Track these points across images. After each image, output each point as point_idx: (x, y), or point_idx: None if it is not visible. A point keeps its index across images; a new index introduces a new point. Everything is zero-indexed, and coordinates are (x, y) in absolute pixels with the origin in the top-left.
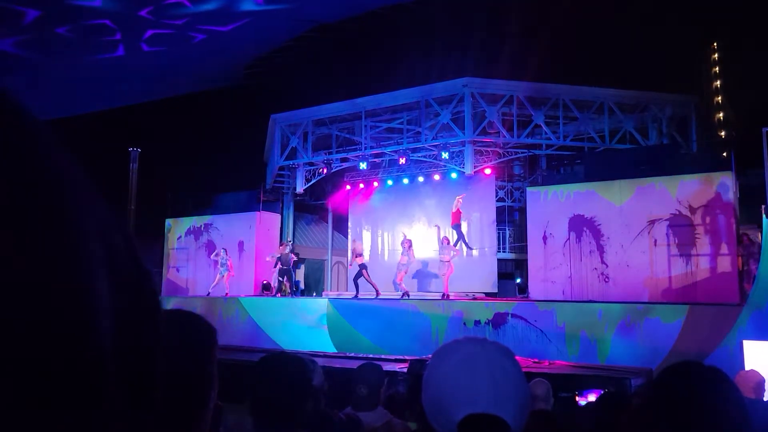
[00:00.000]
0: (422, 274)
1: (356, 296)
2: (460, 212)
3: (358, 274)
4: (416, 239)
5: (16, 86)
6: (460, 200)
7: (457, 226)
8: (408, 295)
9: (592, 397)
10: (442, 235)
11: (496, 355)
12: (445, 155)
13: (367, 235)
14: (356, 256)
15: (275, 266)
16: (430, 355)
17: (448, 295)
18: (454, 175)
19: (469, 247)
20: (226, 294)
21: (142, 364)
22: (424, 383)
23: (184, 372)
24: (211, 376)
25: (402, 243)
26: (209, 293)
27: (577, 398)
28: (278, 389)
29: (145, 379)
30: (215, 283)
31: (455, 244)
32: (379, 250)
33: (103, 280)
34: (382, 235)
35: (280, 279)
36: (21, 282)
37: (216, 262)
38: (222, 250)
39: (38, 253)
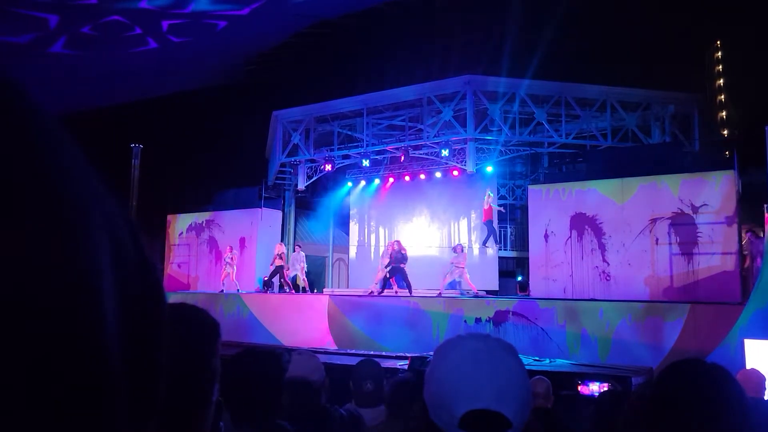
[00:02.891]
0: (423, 272)
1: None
2: (492, 208)
3: (274, 273)
4: (417, 236)
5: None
6: (491, 196)
7: (489, 223)
8: (375, 293)
9: (594, 387)
10: (456, 242)
11: (499, 351)
12: (445, 152)
13: (362, 231)
14: (277, 257)
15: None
16: (430, 352)
17: (446, 293)
18: (455, 173)
19: (497, 243)
20: (237, 290)
21: (147, 360)
22: (426, 379)
23: (187, 366)
24: (213, 370)
25: (387, 245)
26: (222, 290)
27: (579, 388)
28: (247, 386)
29: (150, 375)
30: (223, 279)
31: (484, 242)
32: (372, 246)
33: (109, 274)
34: (377, 231)
35: (387, 276)
36: (23, 278)
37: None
38: (229, 248)
39: (42, 248)
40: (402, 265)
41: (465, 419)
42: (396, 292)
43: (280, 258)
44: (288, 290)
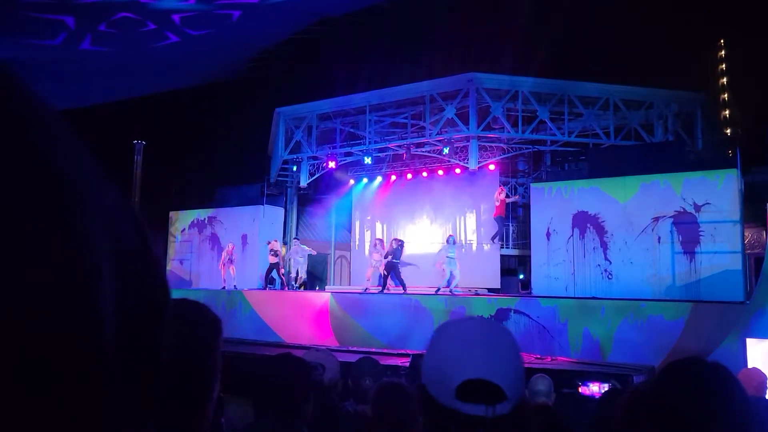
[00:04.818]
0: (425, 270)
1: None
2: (503, 202)
3: (270, 269)
4: (420, 234)
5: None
6: (503, 190)
7: (499, 218)
8: (376, 291)
9: (594, 388)
10: (449, 233)
11: (493, 328)
12: (446, 151)
13: (364, 228)
14: (272, 254)
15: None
16: None
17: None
18: (458, 170)
19: (500, 240)
20: (235, 286)
21: (147, 358)
22: (425, 358)
23: (189, 362)
24: (214, 366)
25: (373, 242)
26: (224, 287)
27: (580, 389)
28: (280, 391)
29: (148, 374)
30: (224, 276)
31: (493, 238)
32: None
33: (110, 271)
34: (376, 228)
35: (385, 273)
36: (22, 278)
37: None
38: (231, 244)
39: (42, 247)
40: (396, 262)
41: (462, 389)
42: (389, 289)
43: (275, 255)
44: (281, 286)
